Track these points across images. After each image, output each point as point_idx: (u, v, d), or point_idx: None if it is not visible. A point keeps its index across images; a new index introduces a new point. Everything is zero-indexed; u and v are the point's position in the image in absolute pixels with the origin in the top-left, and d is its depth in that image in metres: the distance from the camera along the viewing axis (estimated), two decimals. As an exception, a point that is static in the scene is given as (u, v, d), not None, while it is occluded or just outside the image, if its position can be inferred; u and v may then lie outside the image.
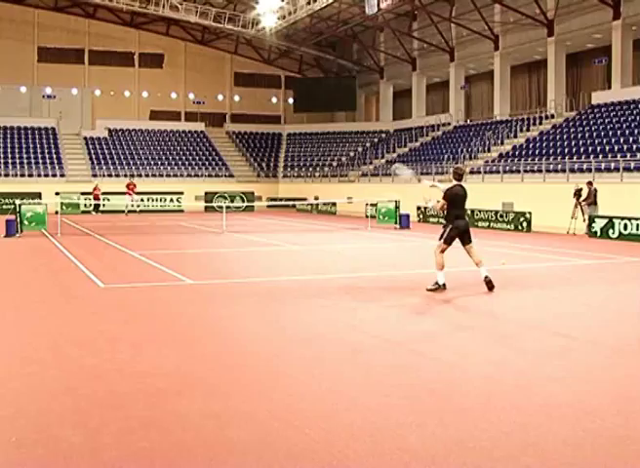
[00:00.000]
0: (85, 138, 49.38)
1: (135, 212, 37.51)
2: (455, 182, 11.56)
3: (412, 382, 6.28)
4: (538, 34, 37.91)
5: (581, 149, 30.50)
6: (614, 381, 6.38)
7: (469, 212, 28.25)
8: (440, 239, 11.49)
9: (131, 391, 6.00)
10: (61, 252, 17.97)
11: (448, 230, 11.38)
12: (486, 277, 11.37)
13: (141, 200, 38.18)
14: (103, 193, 39.05)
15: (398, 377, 6.45)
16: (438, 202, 11.61)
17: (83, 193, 39.12)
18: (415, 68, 48.06)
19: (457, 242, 11.52)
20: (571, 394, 5.94)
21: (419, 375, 6.52)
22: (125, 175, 45.03)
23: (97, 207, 38.51)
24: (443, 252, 11.41)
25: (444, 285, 11.32)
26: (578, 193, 24.19)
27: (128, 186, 38.13)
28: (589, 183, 24.25)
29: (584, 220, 23.94)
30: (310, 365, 6.93)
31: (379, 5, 38.73)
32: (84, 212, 38.82)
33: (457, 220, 11.39)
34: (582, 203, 24.01)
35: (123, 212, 37.09)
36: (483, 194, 30.61)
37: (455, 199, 11.41)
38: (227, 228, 25.52)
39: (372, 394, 5.91)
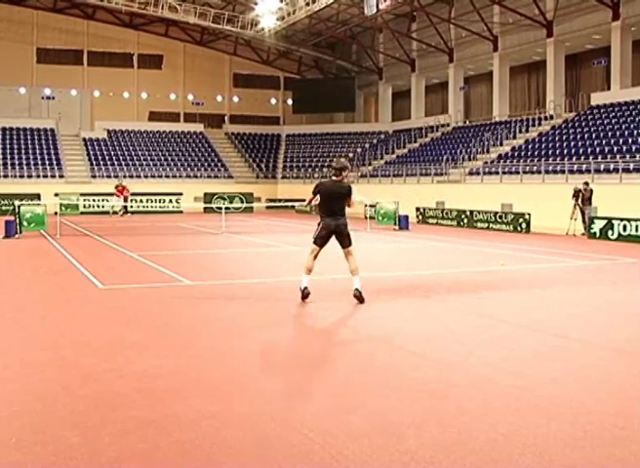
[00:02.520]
0: (84, 139, 49.36)
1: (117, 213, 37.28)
2: (330, 177, 10.60)
3: (411, 383, 6.28)
4: (537, 35, 37.93)
5: (581, 150, 30.51)
6: (613, 382, 6.38)
7: (468, 212, 28.30)
8: (312, 238, 10.46)
9: (129, 392, 6.00)
10: (61, 252, 17.96)
11: (318, 229, 10.35)
12: (356, 290, 10.22)
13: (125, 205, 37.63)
14: (106, 194, 38.91)
15: (397, 378, 6.44)
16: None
17: (82, 194, 39.03)
18: (414, 69, 48.08)
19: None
20: (570, 395, 5.94)
21: (417, 376, 6.51)
22: (124, 176, 45.05)
23: (125, 208, 37.91)
24: (314, 254, 10.34)
25: (306, 288, 10.24)
26: (577, 194, 24.20)
27: (117, 188, 37.83)
28: (586, 184, 24.33)
29: (584, 221, 23.97)
30: (309, 365, 6.92)
31: (377, 6, 38.73)
32: (83, 212, 38.46)
33: (327, 218, 10.31)
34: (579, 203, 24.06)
35: (115, 212, 37.08)
36: (482, 195, 30.64)
37: (324, 194, 10.38)
38: (226, 229, 25.52)
39: (370, 395, 5.91)
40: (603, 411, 5.49)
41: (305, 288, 10.25)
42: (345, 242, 10.32)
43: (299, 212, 41.74)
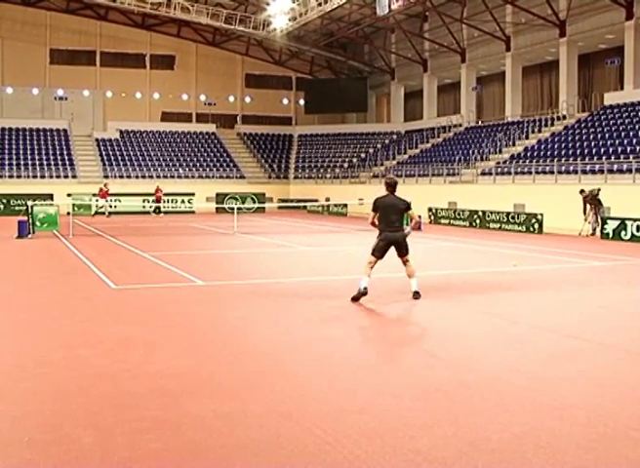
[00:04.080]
0: (96, 140, 49.58)
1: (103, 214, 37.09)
2: (386, 193, 10.94)
3: (423, 383, 6.27)
4: (549, 35, 37.80)
5: (594, 151, 30.37)
6: (627, 384, 6.34)
7: (480, 213, 28.24)
8: (371, 250, 10.85)
9: (143, 392, 6.02)
10: (73, 253, 18.04)
11: (376, 241, 10.81)
12: (414, 292, 10.84)
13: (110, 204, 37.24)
14: (118, 194, 38.99)
15: (410, 379, 6.44)
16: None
17: (95, 194, 39.09)
18: (426, 69, 48.02)
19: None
20: (583, 396, 5.92)
21: (430, 377, 6.51)
22: (136, 177, 45.21)
23: (158, 208, 37.91)
24: (371, 264, 10.68)
25: (365, 289, 10.45)
26: (586, 197, 24.05)
27: (101, 190, 37.39)
28: (582, 191, 24.29)
29: (595, 222, 23.86)
30: (322, 366, 6.92)
31: (390, 6, 38.68)
32: (95, 213, 38.38)
33: (384, 232, 10.74)
34: (589, 204, 23.93)
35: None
36: (494, 195, 30.54)
37: (384, 208, 10.77)
38: (238, 229, 25.56)
39: (383, 395, 5.90)
40: (617, 413, 5.46)
41: (365, 288, 10.46)
42: (402, 251, 10.82)
43: (310, 212, 41.78)
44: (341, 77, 56.45)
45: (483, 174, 34.36)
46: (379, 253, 10.71)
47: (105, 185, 37.50)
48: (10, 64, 50.18)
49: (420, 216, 11.47)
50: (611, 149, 29.56)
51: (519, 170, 32.02)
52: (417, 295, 10.82)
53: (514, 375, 6.56)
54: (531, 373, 6.61)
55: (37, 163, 45.17)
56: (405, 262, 10.91)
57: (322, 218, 36.07)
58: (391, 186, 10.91)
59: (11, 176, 43.47)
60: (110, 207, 37.37)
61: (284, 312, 9.82)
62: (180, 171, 47.48)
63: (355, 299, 10.47)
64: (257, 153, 53.06)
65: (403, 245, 10.79)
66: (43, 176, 43.95)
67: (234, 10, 46.96)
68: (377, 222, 10.87)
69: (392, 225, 10.77)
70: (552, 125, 36.67)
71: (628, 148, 28.76)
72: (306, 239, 22.84)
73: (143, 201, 38.58)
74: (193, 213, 40.82)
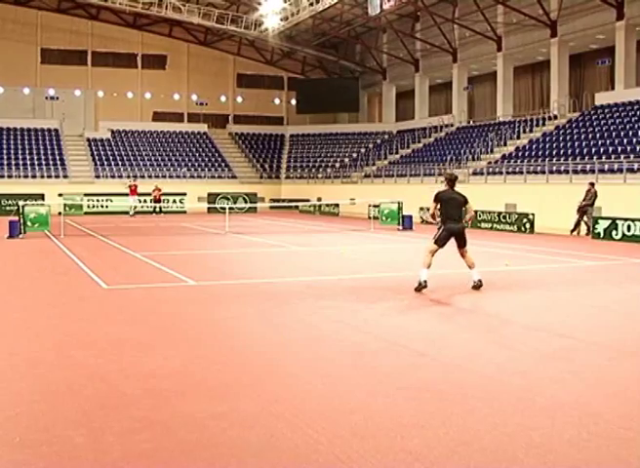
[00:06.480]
0: (88, 140, 49.42)
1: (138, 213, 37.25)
2: (446, 187, 11.88)
3: (415, 383, 6.28)
4: (541, 35, 37.87)
5: (585, 150, 30.46)
6: (618, 383, 6.37)
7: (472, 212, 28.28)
8: (432, 239, 11.73)
9: (135, 392, 6.01)
10: (65, 253, 17.98)
11: (439, 231, 11.65)
12: (475, 281, 11.67)
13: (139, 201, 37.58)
14: (109, 194, 38.90)
15: (402, 378, 6.44)
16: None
17: (86, 194, 39.03)
18: (417, 69, 48.05)
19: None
20: (575, 396, 5.93)
21: (422, 377, 6.51)
22: (128, 177, 45.10)
23: (157, 208, 37.99)
24: (432, 253, 11.58)
25: (425, 282, 11.35)
26: (589, 190, 24.01)
27: (130, 187, 37.73)
28: (591, 184, 24.25)
29: (585, 223, 23.92)
30: (314, 366, 6.92)
31: (381, 6, 38.72)
32: (87, 213, 38.32)
33: (447, 224, 11.61)
34: (583, 202, 23.92)
35: (127, 213, 37.00)
36: (486, 195, 30.59)
37: (446, 202, 11.65)
38: (230, 229, 25.53)
39: (375, 395, 5.91)
40: (608, 412, 5.48)
41: (425, 281, 11.31)
42: (461, 243, 11.70)
43: (302, 212, 41.77)
44: (333, 77, 56.43)
45: (474, 173, 34.42)
46: (441, 242, 11.55)
47: (134, 182, 37.47)
48: (0, 64, 49.94)
49: (475, 211, 12.53)
50: (602, 149, 29.65)
51: (510, 169, 32.09)
52: (478, 283, 11.59)
53: (506, 375, 6.58)
54: (522, 373, 6.63)
55: (28, 163, 45.00)
56: (463, 254, 11.73)
57: (314, 218, 36.06)
58: (451, 181, 11.76)
59: (2, 176, 43.27)
60: (102, 207, 37.27)
61: (276, 312, 9.81)
62: (172, 170, 47.37)
63: (418, 290, 11.30)
64: (248, 153, 53.00)
65: (463, 236, 11.68)
66: (34, 176, 43.80)
67: (226, 10, 46.90)
68: (437, 214, 11.71)
69: (453, 218, 11.64)
70: (543, 125, 36.75)
71: (619, 148, 28.86)
72: (298, 239, 22.82)
73: (140, 201, 38.43)
74: (185, 213, 40.74)
